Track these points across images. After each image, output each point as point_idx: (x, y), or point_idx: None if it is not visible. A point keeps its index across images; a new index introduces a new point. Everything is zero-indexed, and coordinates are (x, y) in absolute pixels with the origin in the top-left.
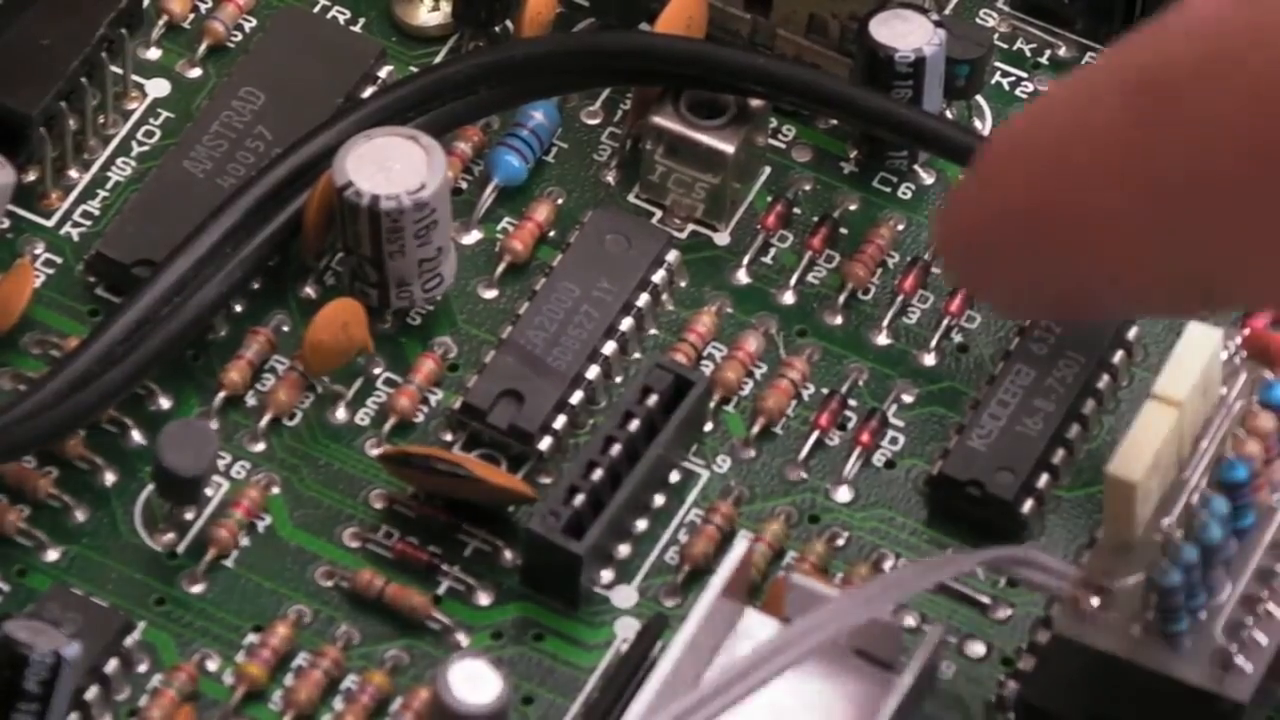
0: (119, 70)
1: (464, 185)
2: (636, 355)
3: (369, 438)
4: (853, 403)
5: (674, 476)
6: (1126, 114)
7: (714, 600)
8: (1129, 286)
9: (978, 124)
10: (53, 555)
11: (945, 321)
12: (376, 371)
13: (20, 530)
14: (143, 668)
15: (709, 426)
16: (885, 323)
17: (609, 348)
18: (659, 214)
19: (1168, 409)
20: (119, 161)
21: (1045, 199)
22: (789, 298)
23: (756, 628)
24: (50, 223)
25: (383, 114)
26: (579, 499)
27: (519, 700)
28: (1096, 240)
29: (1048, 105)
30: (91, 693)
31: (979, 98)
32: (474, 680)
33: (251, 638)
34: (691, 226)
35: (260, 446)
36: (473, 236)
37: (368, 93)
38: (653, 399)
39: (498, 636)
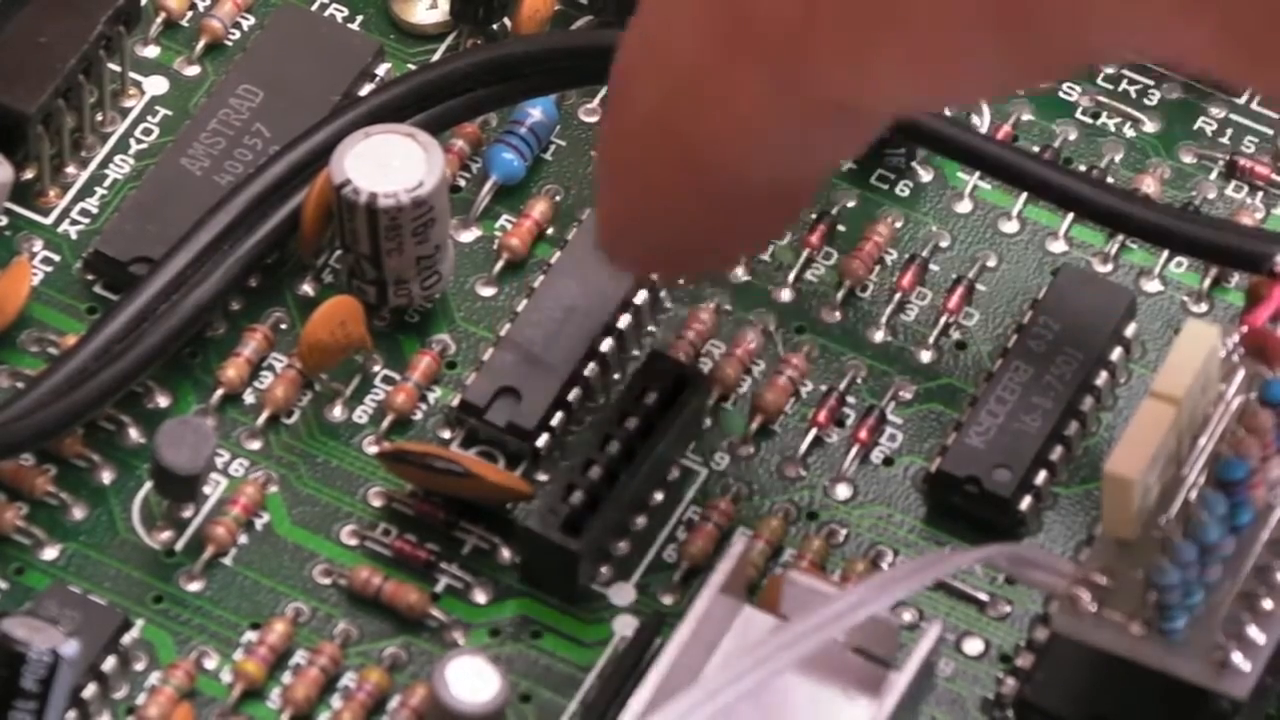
0: (117, 68)
1: (462, 183)
2: (635, 353)
3: (367, 435)
4: (851, 400)
5: (672, 474)
6: (699, 23)
7: (712, 597)
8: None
9: (975, 121)
10: (50, 553)
11: (943, 318)
12: (374, 369)
13: (18, 528)
14: (140, 666)
15: (707, 424)
16: (883, 320)
17: (607, 345)
18: None
19: (1166, 406)
20: (117, 159)
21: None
22: (787, 295)
23: (754, 625)
24: (48, 220)
25: (380, 111)
26: (576, 496)
27: (517, 698)
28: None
29: (636, 47)
30: (89, 691)
31: None
32: (472, 678)
33: (249, 635)
34: None
35: (258, 444)
36: (471, 234)
37: (365, 90)
38: (651, 396)
39: (495, 634)
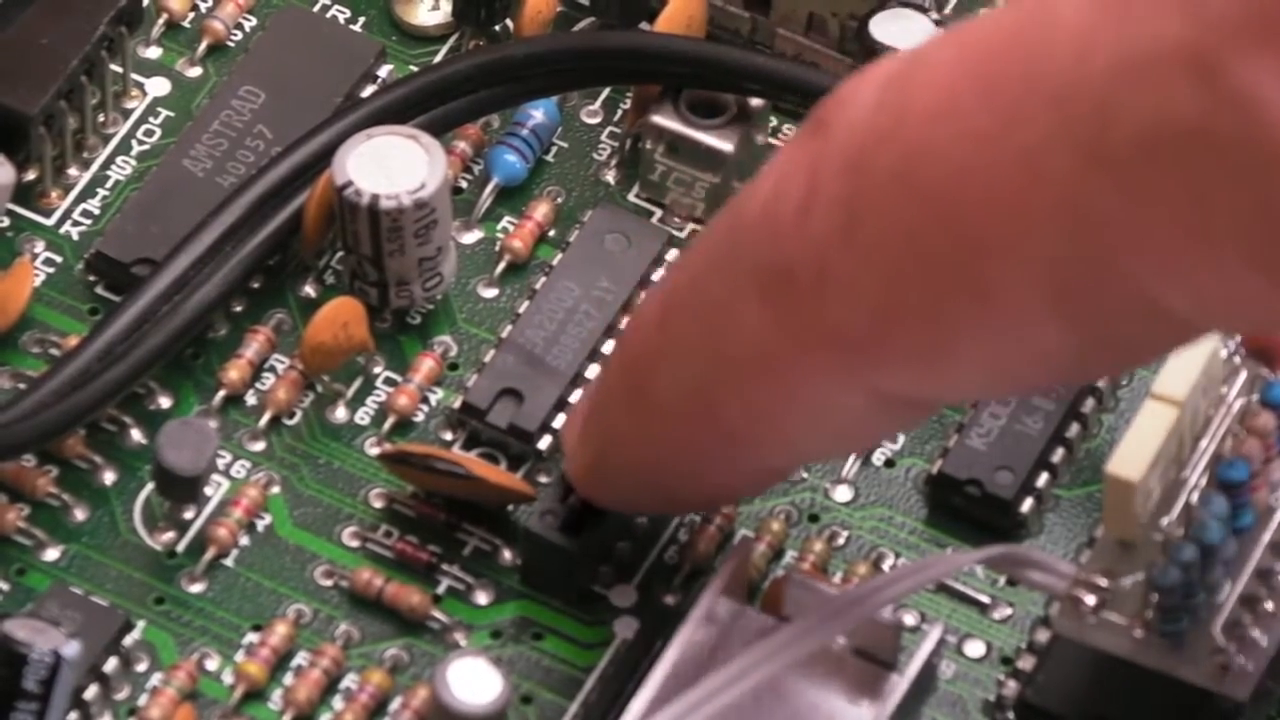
0: (119, 69)
1: (464, 184)
2: None
3: (369, 437)
4: None
5: None
6: (766, 316)
7: (713, 599)
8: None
9: None
10: (52, 554)
11: None
12: (376, 370)
13: (19, 529)
14: (142, 667)
15: None
16: None
17: (609, 347)
18: (659, 213)
19: (1167, 408)
20: (119, 160)
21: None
22: None
23: (756, 627)
24: (50, 221)
25: (382, 113)
26: (576, 497)
27: (518, 699)
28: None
29: (676, 329)
30: (91, 692)
31: None
32: (473, 679)
33: (251, 637)
34: (691, 225)
35: (260, 445)
36: (473, 235)
37: (367, 92)
38: None
39: (497, 635)
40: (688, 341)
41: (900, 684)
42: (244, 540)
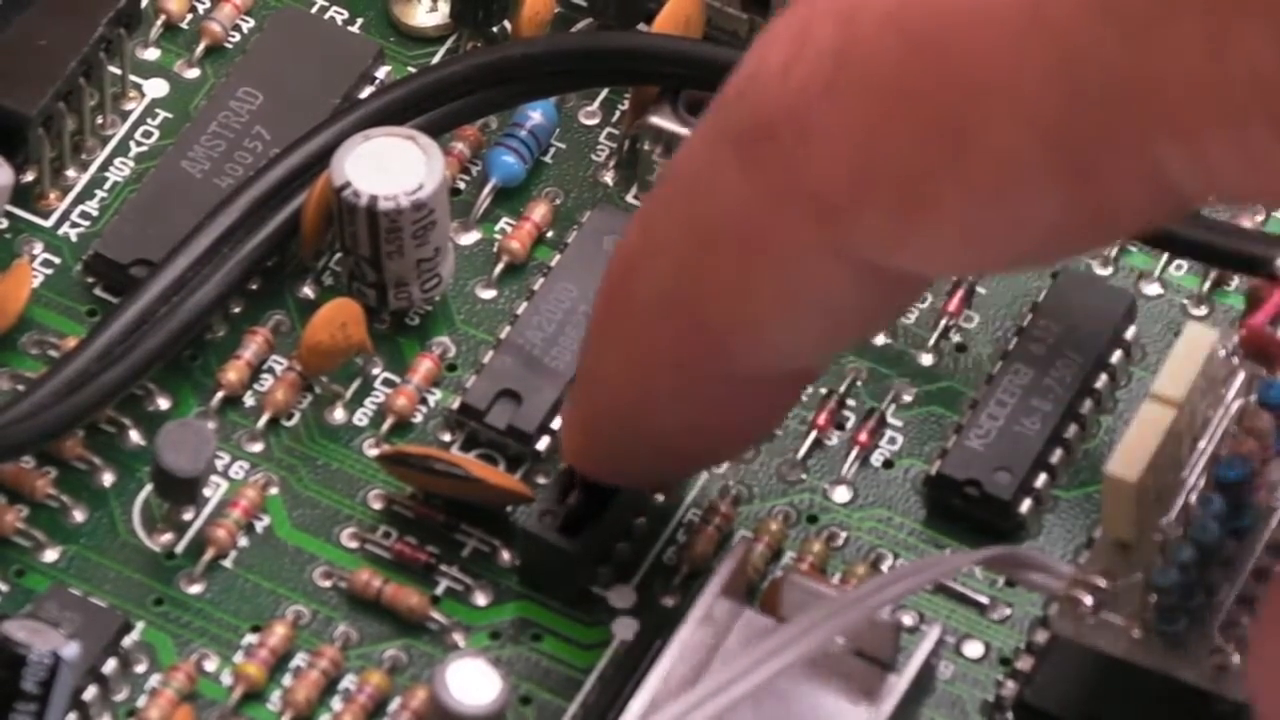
0: (117, 70)
1: (462, 185)
2: None
3: (367, 438)
4: (851, 402)
5: None
6: (745, 179)
7: (712, 600)
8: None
9: None
10: (51, 555)
11: (943, 321)
12: (375, 372)
13: (18, 530)
14: (141, 668)
15: None
16: None
17: None
18: None
19: (1166, 409)
20: (117, 162)
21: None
22: None
23: (755, 628)
24: (48, 223)
25: (381, 114)
26: (575, 498)
27: (517, 700)
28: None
29: (656, 222)
30: (90, 693)
31: None
32: (472, 680)
33: (250, 638)
34: None
35: (258, 447)
36: (471, 237)
37: (366, 93)
38: None
39: (496, 636)
40: (669, 229)
41: (899, 684)
42: (243, 541)
